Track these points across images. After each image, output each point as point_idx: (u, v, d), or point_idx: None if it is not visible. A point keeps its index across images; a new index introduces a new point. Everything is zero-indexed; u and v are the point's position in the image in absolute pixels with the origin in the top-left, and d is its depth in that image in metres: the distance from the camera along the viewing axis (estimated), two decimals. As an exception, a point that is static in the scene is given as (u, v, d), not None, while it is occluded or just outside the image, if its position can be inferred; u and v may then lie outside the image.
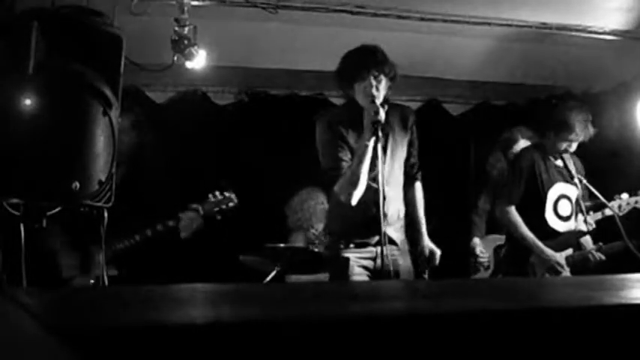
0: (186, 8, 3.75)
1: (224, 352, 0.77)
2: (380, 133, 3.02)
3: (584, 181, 3.99)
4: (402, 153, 3.35)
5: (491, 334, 0.89)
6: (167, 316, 0.96)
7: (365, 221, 3.16)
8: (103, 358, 0.72)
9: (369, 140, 3.06)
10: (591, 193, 3.99)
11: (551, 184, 3.96)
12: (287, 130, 5.23)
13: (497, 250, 4.56)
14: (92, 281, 3.45)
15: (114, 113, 2.24)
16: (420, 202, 3.43)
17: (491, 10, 4.23)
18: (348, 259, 3.23)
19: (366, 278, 3.22)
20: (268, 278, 4.02)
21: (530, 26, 4.36)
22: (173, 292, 1.32)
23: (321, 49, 4.47)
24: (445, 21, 4.24)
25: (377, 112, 3.03)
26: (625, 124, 4.67)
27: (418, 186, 3.45)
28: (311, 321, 0.88)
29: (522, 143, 4.52)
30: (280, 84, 5.30)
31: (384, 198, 3.03)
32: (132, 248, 3.59)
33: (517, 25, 4.36)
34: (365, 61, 3.18)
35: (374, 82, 3.14)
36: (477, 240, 4.70)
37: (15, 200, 2.14)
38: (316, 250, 4.30)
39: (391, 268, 3.15)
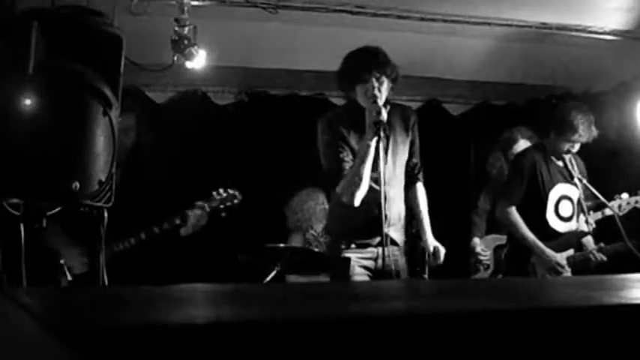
0: (186, 8, 3.75)
1: (224, 352, 0.77)
2: (382, 134, 3.02)
3: (584, 181, 3.98)
4: (403, 153, 3.34)
5: (491, 334, 0.89)
6: (167, 316, 0.96)
7: (366, 222, 3.17)
8: (103, 358, 0.72)
9: (371, 140, 3.06)
10: (591, 193, 3.99)
11: (553, 184, 3.96)
12: (287, 130, 5.23)
13: (497, 250, 4.57)
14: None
15: (114, 113, 2.24)
16: (422, 202, 3.43)
17: (491, 10, 4.23)
18: (349, 259, 3.23)
19: (366, 278, 3.22)
20: (268, 278, 4.02)
21: (530, 26, 4.36)
22: (173, 292, 1.32)
23: (321, 49, 4.47)
24: (445, 21, 4.24)
25: (379, 113, 3.03)
26: (625, 124, 4.67)
27: (420, 186, 3.45)
28: (311, 321, 0.88)
29: (522, 143, 4.52)
30: (280, 84, 5.30)
31: (386, 199, 3.03)
32: (137, 246, 3.61)
33: (517, 25, 4.36)
34: (367, 62, 3.17)
35: (376, 84, 3.14)
36: (476, 240, 4.70)
37: (15, 200, 2.14)
38: (316, 250, 4.30)
39: (392, 268, 3.16)
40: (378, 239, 3.16)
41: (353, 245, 3.26)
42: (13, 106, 2.04)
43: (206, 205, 3.82)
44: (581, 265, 3.97)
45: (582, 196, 3.99)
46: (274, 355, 0.79)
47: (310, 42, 4.55)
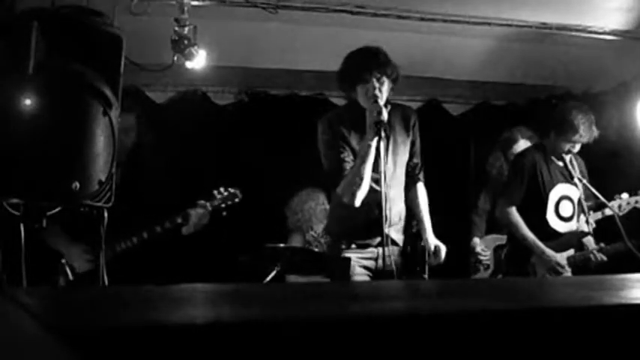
0: (186, 8, 3.75)
1: (224, 352, 0.77)
2: (382, 134, 3.02)
3: (584, 181, 3.98)
4: (404, 154, 3.34)
5: (491, 334, 0.89)
6: (167, 316, 0.96)
7: (367, 222, 3.17)
8: (103, 358, 0.72)
9: (371, 141, 3.06)
10: (591, 193, 3.99)
11: (553, 185, 3.96)
12: (287, 130, 5.23)
13: (497, 250, 4.57)
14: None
15: (114, 113, 2.24)
16: (423, 202, 3.42)
17: (491, 10, 4.22)
18: (349, 259, 3.23)
19: (367, 279, 3.22)
20: (268, 278, 4.02)
21: (530, 26, 4.36)
22: (173, 292, 1.32)
23: (321, 49, 4.47)
24: (445, 21, 4.24)
25: (380, 112, 3.02)
26: (625, 124, 4.67)
27: (421, 186, 3.44)
28: (311, 321, 0.88)
29: (522, 143, 4.52)
30: (280, 84, 5.30)
31: (386, 199, 3.03)
32: (139, 245, 3.61)
33: (517, 25, 4.36)
34: (367, 63, 3.17)
35: (376, 84, 3.14)
36: (476, 240, 4.70)
37: (15, 200, 2.14)
38: (316, 249, 4.30)
39: (394, 268, 3.16)
40: (378, 239, 3.16)
41: (353, 245, 3.26)
42: (13, 106, 2.04)
43: (208, 204, 3.83)
44: (582, 265, 3.97)
45: (583, 196, 3.99)
46: (274, 355, 0.79)
47: (310, 42, 4.55)
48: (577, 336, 0.93)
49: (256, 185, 4.80)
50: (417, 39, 4.48)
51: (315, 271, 4.12)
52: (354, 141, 3.22)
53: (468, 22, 4.28)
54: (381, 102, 3.11)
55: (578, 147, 3.92)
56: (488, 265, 4.63)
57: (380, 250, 3.12)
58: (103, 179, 2.20)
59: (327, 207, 4.26)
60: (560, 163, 4.00)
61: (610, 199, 3.97)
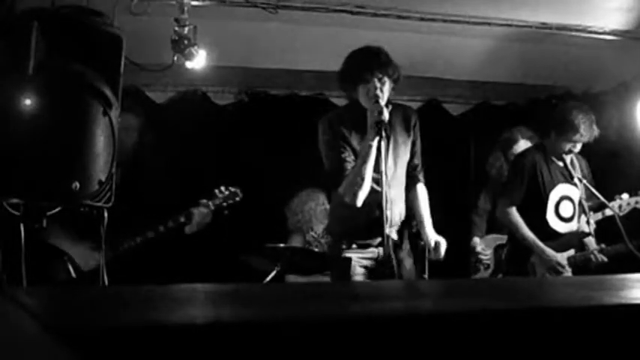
0: (186, 8, 3.75)
1: (224, 352, 0.77)
2: (383, 134, 3.02)
3: (584, 181, 3.98)
4: (404, 154, 3.34)
5: (491, 334, 0.89)
6: (167, 316, 0.96)
7: (368, 223, 3.16)
8: (103, 358, 0.72)
9: (372, 141, 3.06)
10: (592, 194, 3.99)
11: (553, 185, 3.96)
12: (287, 130, 5.23)
13: (497, 249, 4.57)
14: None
15: (114, 113, 2.24)
16: (424, 202, 3.41)
17: (491, 10, 4.22)
18: (350, 259, 3.23)
19: (368, 278, 3.22)
20: (268, 278, 4.02)
21: (530, 26, 4.36)
22: (173, 292, 1.32)
23: (321, 49, 4.47)
24: (445, 21, 4.24)
25: (381, 112, 3.02)
26: (625, 124, 4.67)
27: (421, 187, 3.43)
28: (311, 321, 0.88)
29: (522, 143, 4.52)
30: (280, 84, 5.30)
31: (387, 199, 3.03)
32: (142, 245, 3.62)
33: (517, 25, 4.36)
34: (369, 63, 3.16)
35: (378, 84, 3.13)
36: (477, 239, 4.70)
37: (15, 200, 2.14)
38: (316, 250, 4.30)
39: (396, 267, 3.16)
40: (379, 240, 3.16)
41: (354, 245, 3.26)
42: (13, 106, 2.04)
43: (210, 203, 3.85)
44: (582, 266, 3.96)
45: (584, 197, 3.99)
46: (274, 355, 0.79)
47: (310, 42, 4.55)
48: (577, 336, 0.93)
49: (256, 185, 4.80)
50: (417, 39, 4.48)
51: (315, 271, 4.12)
52: (354, 141, 3.22)
53: (467, 22, 4.28)
54: (382, 102, 3.10)
55: (579, 147, 3.92)
56: (488, 265, 4.63)
57: (380, 250, 3.12)
58: (103, 179, 2.20)
59: (328, 207, 4.26)
60: (561, 164, 3.99)
61: (610, 199, 3.97)
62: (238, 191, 3.96)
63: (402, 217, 3.35)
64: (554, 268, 3.89)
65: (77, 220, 3.15)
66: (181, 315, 0.98)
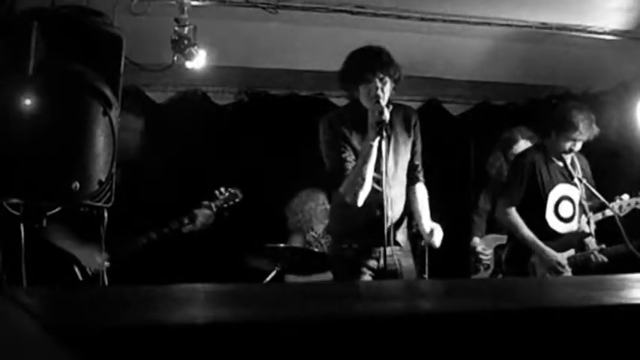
0: (186, 8, 3.75)
1: (224, 352, 0.77)
2: (384, 134, 3.02)
3: (584, 182, 3.98)
4: (405, 154, 3.33)
5: (491, 334, 0.89)
6: (167, 316, 0.96)
7: (368, 222, 3.16)
8: (103, 358, 0.72)
9: (373, 140, 3.05)
10: (592, 194, 3.99)
11: (553, 185, 3.95)
12: (287, 130, 5.24)
13: (497, 250, 4.56)
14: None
15: (114, 113, 2.24)
16: (422, 199, 3.41)
17: (491, 10, 4.22)
18: (350, 259, 3.23)
19: (369, 278, 3.22)
20: (268, 278, 4.02)
21: (530, 26, 4.36)
22: (173, 292, 1.32)
23: (321, 49, 4.47)
24: (445, 21, 4.24)
25: (381, 112, 3.02)
26: (625, 124, 4.67)
27: (421, 186, 3.43)
28: (311, 321, 0.88)
29: (522, 143, 4.52)
30: (280, 84, 5.31)
31: (387, 199, 3.02)
32: (145, 246, 3.62)
33: (517, 25, 4.36)
34: (370, 62, 3.16)
35: (379, 84, 3.13)
36: (477, 240, 4.70)
37: (15, 200, 2.14)
38: (316, 250, 4.30)
39: (397, 268, 3.16)
40: (380, 239, 3.15)
41: (355, 245, 3.26)
42: (13, 106, 2.04)
43: (212, 204, 3.85)
44: (582, 266, 3.96)
45: (584, 197, 3.99)
46: (274, 355, 0.79)
47: (310, 42, 4.55)
48: (577, 336, 0.93)
49: (256, 185, 4.81)
50: (417, 39, 4.48)
51: (315, 271, 4.13)
52: (355, 141, 3.22)
53: (467, 22, 4.28)
54: (383, 102, 3.10)
55: (579, 145, 3.91)
56: (488, 265, 4.63)
57: (382, 249, 3.12)
58: (103, 179, 2.20)
59: (328, 207, 4.27)
60: (561, 164, 3.99)
61: (610, 199, 3.97)
62: (238, 192, 3.97)
63: (403, 217, 3.35)
64: (555, 268, 3.89)
65: (83, 222, 3.15)
66: (181, 315, 0.98)
